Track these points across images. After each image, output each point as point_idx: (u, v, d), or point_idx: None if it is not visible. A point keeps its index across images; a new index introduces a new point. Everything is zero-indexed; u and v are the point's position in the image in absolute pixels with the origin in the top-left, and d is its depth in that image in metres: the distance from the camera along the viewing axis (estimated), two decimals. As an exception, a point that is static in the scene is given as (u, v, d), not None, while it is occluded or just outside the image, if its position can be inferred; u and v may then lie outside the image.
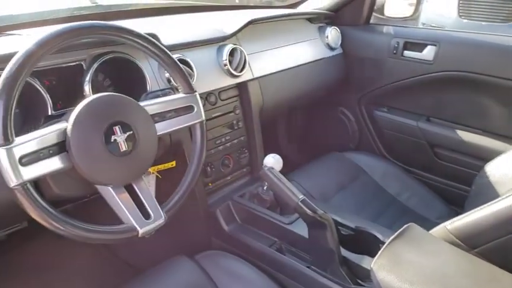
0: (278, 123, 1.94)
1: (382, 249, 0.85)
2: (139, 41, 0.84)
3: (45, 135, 0.72)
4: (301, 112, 1.92)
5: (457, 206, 1.40)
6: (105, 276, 1.41)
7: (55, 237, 1.45)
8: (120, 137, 0.78)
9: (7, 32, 1.05)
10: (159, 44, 0.86)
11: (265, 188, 1.18)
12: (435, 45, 1.46)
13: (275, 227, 1.10)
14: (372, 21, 1.70)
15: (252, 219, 1.16)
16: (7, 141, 0.66)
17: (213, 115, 1.22)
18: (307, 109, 1.89)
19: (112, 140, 0.77)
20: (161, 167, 1.05)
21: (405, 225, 0.91)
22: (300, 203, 0.93)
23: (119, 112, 0.79)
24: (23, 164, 0.68)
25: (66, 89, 0.95)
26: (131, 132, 0.79)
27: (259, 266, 1.06)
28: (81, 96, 0.96)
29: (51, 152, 0.72)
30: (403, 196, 1.45)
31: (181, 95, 0.90)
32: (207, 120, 1.15)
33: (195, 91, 0.91)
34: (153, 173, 1.03)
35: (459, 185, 1.49)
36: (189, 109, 0.91)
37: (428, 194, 1.44)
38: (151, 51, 0.86)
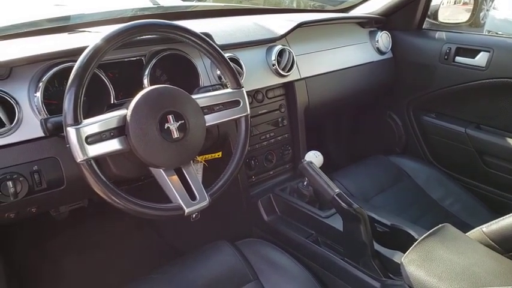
0: (324, 123, 1.98)
1: (414, 244, 0.88)
2: (194, 39, 0.92)
3: (108, 119, 0.82)
4: (348, 114, 1.94)
5: (503, 214, 1.36)
6: (152, 256, 1.52)
7: (109, 218, 1.61)
8: (172, 125, 0.87)
9: (79, 30, 1.18)
10: (212, 43, 0.95)
11: (305, 183, 1.23)
12: (489, 51, 1.43)
13: (312, 220, 1.15)
14: (424, 26, 1.69)
15: (291, 211, 1.22)
16: (76, 122, 0.77)
17: (259, 112, 1.29)
18: (354, 111, 1.91)
19: (165, 127, 0.86)
20: (208, 156, 1.13)
21: (440, 225, 0.92)
22: (335, 196, 0.97)
23: (173, 103, 0.88)
24: (88, 143, 0.78)
25: (127, 81, 1.06)
26: (183, 121, 0.88)
27: (296, 256, 1.11)
28: (140, 88, 1.06)
29: (112, 134, 0.82)
30: (446, 201, 1.44)
31: (229, 90, 0.98)
32: (253, 116, 1.22)
33: (242, 87, 0.99)
34: (201, 161, 1.12)
35: (507, 194, 1.45)
36: (235, 103, 0.98)
37: (473, 201, 1.42)
38: (205, 48, 0.94)
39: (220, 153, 1.15)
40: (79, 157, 0.77)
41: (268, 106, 1.31)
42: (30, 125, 0.91)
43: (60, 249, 1.46)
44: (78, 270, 1.43)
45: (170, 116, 0.87)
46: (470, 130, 1.52)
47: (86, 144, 0.77)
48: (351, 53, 1.56)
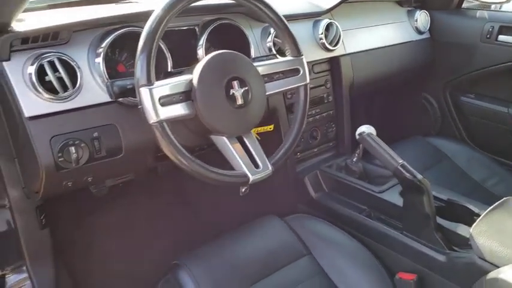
0: (361, 103, 1.95)
1: (481, 217, 0.86)
2: (257, 3, 0.90)
3: (177, 83, 0.80)
4: (383, 95, 1.92)
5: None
6: (191, 235, 1.50)
7: (147, 197, 1.59)
8: (237, 91, 0.85)
9: (125, 1, 1.16)
10: (275, 9, 0.92)
11: (354, 159, 1.21)
12: (534, 28, 1.41)
13: (365, 195, 1.13)
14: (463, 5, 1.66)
15: (340, 188, 1.20)
16: (149, 82, 0.75)
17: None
18: (388, 92, 1.88)
19: (230, 94, 0.84)
20: (261, 129, 1.11)
21: (504, 198, 0.90)
22: (399, 167, 0.95)
23: (237, 68, 0.86)
24: (161, 104, 0.76)
25: (180, 51, 1.04)
26: (246, 88, 0.86)
27: (348, 231, 1.10)
28: (195, 58, 1.05)
29: (180, 98, 0.80)
30: (489, 183, 1.42)
31: (289, 58, 0.96)
32: (295, 92, 1.19)
33: (302, 55, 0.96)
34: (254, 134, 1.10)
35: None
36: (295, 72, 0.96)
37: (518, 181, 1.40)
38: (267, 14, 0.92)
39: (272, 126, 1.13)
40: (152, 118, 0.75)
41: (314, 81, 1.29)
42: (90, 90, 0.89)
43: (98, 227, 1.44)
44: (117, 249, 1.42)
45: (235, 82, 0.85)
46: (513, 109, 1.50)
47: (158, 105, 0.75)
48: (390, 32, 1.53)
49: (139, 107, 0.76)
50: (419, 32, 1.61)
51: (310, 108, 1.29)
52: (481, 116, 1.61)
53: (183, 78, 0.82)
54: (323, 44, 1.25)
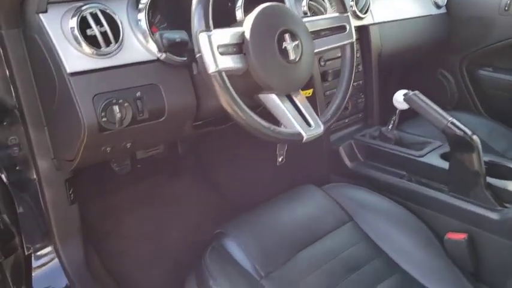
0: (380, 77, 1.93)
1: None
2: None
3: (234, 32, 0.76)
4: (399, 70, 1.91)
5: None
6: (216, 213, 1.46)
7: (170, 176, 1.54)
8: (289, 45, 0.81)
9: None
10: None
11: (390, 126, 1.19)
12: (554, -2, 1.41)
13: (404, 160, 1.11)
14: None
15: (376, 156, 1.18)
16: (208, 28, 0.71)
17: (337, 55, 1.24)
18: (405, 67, 1.87)
19: (283, 47, 0.81)
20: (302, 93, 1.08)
21: None
22: (449, 124, 0.93)
23: (288, 22, 0.83)
24: (220, 53, 0.72)
25: (218, 15, 1.00)
26: (297, 42, 0.83)
27: (389, 197, 1.08)
28: (234, 20, 1.01)
29: (234, 50, 0.76)
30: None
31: (336, 14, 0.93)
32: (330, 59, 1.17)
33: (348, 12, 0.94)
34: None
35: None
36: (341, 29, 0.93)
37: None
38: None
39: (311, 91, 1.10)
40: (211, 67, 0.71)
41: (343, 50, 1.26)
42: (130, 47, 0.84)
43: (123, 207, 1.39)
44: (144, 229, 1.37)
45: (287, 35, 0.81)
46: (533, 80, 1.51)
47: (217, 54, 0.72)
48: (410, 4, 1.52)
49: (197, 55, 0.72)
50: (438, 6, 1.61)
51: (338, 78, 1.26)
52: (499, 88, 1.61)
53: (235, 30, 0.78)
54: (354, 11, 1.22)
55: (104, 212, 1.37)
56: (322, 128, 0.86)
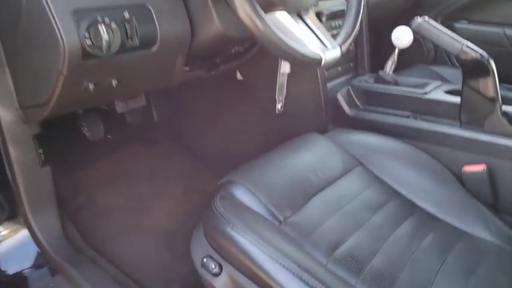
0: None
1: None
2: None
3: None
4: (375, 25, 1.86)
5: None
6: (198, 183, 1.34)
7: (143, 147, 1.40)
8: None
9: None
10: None
11: (388, 68, 1.13)
12: None
13: (408, 100, 1.06)
14: None
15: (377, 99, 1.11)
16: None
17: (327, -4, 1.16)
18: (380, 23, 1.83)
19: None
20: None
21: None
22: (465, 48, 0.88)
23: None
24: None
25: None
26: None
27: (396, 138, 1.02)
28: None
29: None
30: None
31: None
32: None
33: None
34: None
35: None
36: None
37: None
38: None
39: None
40: None
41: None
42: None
43: (93, 180, 1.23)
44: (122, 202, 1.22)
45: None
46: (509, 29, 1.52)
47: None
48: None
49: None
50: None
51: (332, 20, 1.19)
52: (475, 40, 1.59)
53: None
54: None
55: (75, 187, 1.21)
56: (339, 50, 0.77)
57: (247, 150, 1.14)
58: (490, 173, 0.90)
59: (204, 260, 0.74)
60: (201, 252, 0.77)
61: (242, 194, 0.80)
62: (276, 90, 0.98)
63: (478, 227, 0.85)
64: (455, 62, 1.68)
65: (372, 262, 0.73)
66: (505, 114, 0.90)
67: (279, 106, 1.00)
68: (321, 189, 0.88)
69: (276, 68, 0.96)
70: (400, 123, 1.04)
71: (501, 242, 0.83)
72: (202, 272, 0.75)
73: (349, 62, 1.28)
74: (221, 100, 1.38)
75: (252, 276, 0.67)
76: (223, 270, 0.73)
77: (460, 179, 0.94)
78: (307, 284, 0.62)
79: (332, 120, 1.16)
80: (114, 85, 0.77)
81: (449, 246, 0.79)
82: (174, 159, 1.42)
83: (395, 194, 0.92)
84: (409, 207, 0.89)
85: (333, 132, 1.06)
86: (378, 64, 1.28)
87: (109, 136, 1.28)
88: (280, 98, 1.00)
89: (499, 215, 0.89)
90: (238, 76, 1.28)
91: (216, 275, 0.73)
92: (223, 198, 0.78)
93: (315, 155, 0.95)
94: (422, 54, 1.76)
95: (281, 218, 0.78)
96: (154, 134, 1.43)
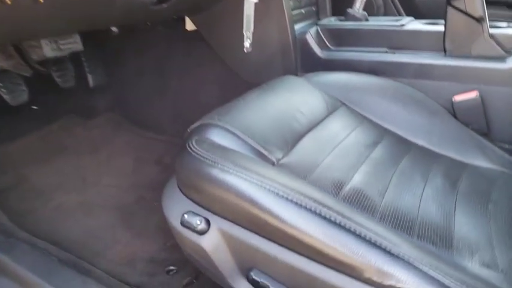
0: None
1: None
2: None
3: None
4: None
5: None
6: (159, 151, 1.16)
7: (81, 118, 1.19)
8: None
9: None
10: None
11: (357, 5, 1.04)
12: None
13: (384, 35, 0.97)
14: None
15: (349, 38, 1.01)
16: None
17: None
18: None
19: None
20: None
21: None
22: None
23: None
24: None
25: None
26: None
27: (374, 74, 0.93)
28: None
29: None
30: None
31: None
32: None
33: None
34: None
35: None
36: None
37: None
38: None
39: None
40: None
41: None
42: None
43: (23, 157, 1.01)
44: (56, 181, 1.01)
45: None
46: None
47: None
48: None
49: None
50: None
51: None
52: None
53: None
54: None
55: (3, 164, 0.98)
56: None
57: (207, 110, 0.98)
58: (482, 100, 0.84)
59: (185, 216, 0.59)
60: (178, 209, 0.61)
61: (222, 137, 0.65)
62: (244, 24, 0.84)
63: (478, 158, 0.79)
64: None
65: (385, 200, 0.62)
66: (492, 36, 0.84)
67: (247, 44, 0.86)
68: (309, 129, 0.76)
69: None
70: (378, 59, 0.95)
71: (504, 169, 0.76)
72: (183, 232, 0.59)
73: (311, 5, 1.17)
74: (169, 56, 1.20)
75: (253, 224, 0.53)
76: (211, 225, 0.58)
77: (451, 111, 0.86)
78: (327, 219, 0.49)
79: (302, 65, 1.04)
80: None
81: (456, 178, 0.72)
82: (119, 131, 1.22)
83: (387, 132, 0.83)
84: (404, 144, 0.81)
85: (308, 74, 0.94)
86: (338, 9, 1.19)
87: (34, 107, 1.08)
88: (248, 34, 0.86)
89: (495, 143, 0.83)
90: (188, 26, 1.12)
91: (203, 232, 0.58)
92: (200, 142, 0.63)
93: (295, 96, 0.83)
94: (372, 9, 1.71)
95: (273, 160, 0.65)
96: (93, 103, 1.23)
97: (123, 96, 1.28)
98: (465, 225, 0.60)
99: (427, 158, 0.77)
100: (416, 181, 0.69)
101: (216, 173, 0.55)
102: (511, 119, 0.83)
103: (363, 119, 0.85)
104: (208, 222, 0.58)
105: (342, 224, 0.49)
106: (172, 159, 0.67)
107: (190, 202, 0.60)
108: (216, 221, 0.57)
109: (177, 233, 0.60)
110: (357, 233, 0.48)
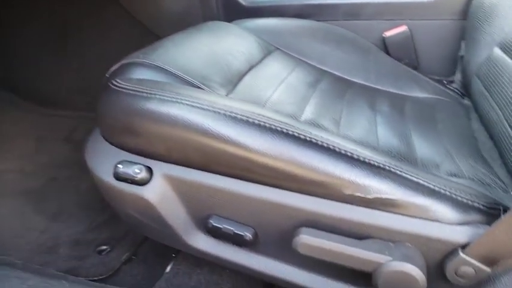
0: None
1: None
2: None
3: None
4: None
5: None
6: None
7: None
8: None
9: None
10: None
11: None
12: None
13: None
14: None
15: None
16: None
17: None
18: None
19: None
20: None
21: None
22: None
23: None
24: None
25: None
26: None
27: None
28: None
29: None
30: None
31: None
32: None
33: None
34: None
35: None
36: None
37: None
38: None
39: None
40: None
41: None
42: None
43: None
44: None
45: None
46: None
47: None
48: None
49: None
50: None
51: None
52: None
53: None
54: None
55: None
56: None
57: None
58: (411, 35, 0.84)
59: (119, 167, 0.48)
60: (108, 161, 0.50)
61: (152, 75, 0.55)
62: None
63: (415, 89, 0.79)
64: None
65: (341, 128, 0.58)
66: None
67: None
68: (249, 68, 0.69)
69: None
70: (305, 2, 0.90)
71: (441, 97, 0.77)
72: (118, 186, 0.48)
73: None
74: (71, 21, 1.03)
75: (207, 160, 0.45)
76: (154, 172, 0.48)
77: (383, 48, 0.85)
78: (299, 138, 0.42)
79: (225, 15, 0.96)
80: None
81: (401, 107, 0.70)
82: (12, 110, 1.03)
83: (325, 72, 0.79)
84: (344, 82, 0.77)
85: (235, 21, 0.87)
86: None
87: None
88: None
89: (426, 76, 0.84)
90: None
91: (144, 181, 0.47)
92: (127, 80, 0.52)
93: (227, 37, 0.75)
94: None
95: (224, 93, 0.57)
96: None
97: (15, 70, 1.08)
98: (424, 145, 0.58)
99: (369, 92, 0.75)
100: (366, 111, 0.66)
101: (155, 105, 0.45)
102: (438, 52, 0.85)
103: (299, 62, 0.80)
104: (149, 170, 0.48)
105: (315, 140, 0.43)
106: (86, 135, 0.55)
107: (122, 151, 0.49)
108: (160, 167, 0.48)
109: (110, 190, 0.49)
110: (335, 148, 0.42)
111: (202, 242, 0.50)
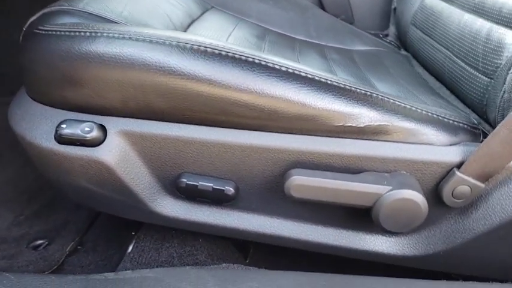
0: None
1: None
2: None
3: None
4: None
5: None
6: None
7: None
8: None
9: None
10: None
11: None
12: None
13: None
14: None
15: None
16: None
17: None
18: None
19: None
20: None
21: None
22: None
23: None
24: None
25: None
26: None
27: None
28: None
29: None
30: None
31: None
32: None
33: None
34: None
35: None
36: None
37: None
38: None
39: None
40: None
41: None
42: None
43: None
44: None
45: None
46: None
47: None
48: None
49: None
50: None
51: None
52: None
53: None
54: None
55: None
56: None
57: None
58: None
59: (63, 127, 0.39)
60: (45, 123, 0.40)
61: (82, 20, 0.46)
62: None
63: (356, 43, 0.78)
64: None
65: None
66: None
67: None
68: (192, 20, 0.63)
69: None
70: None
71: (379, 48, 0.78)
72: (63, 152, 0.39)
73: None
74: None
75: (173, 108, 0.38)
76: (108, 129, 0.40)
77: (319, 5, 0.84)
78: (279, 70, 0.38)
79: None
80: None
81: (350, 57, 0.69)
82: None
83: (267, 29, 0.75)
84: (288, 39, 0.74)
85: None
86: None
87: None
88: None
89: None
90: None
91: (98, 142, 0.39)
92: (58, 25, 0.42)
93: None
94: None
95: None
96: None
97: None
98: (385, 85, 0.57)
99: (314, 46, 0.73)
100: (320, 60, 0.64)
101: (104, 45, 0.37)
102: (372, 7, 0.86)
103: (239, 20, 0.75)
104: (102, 128, 0.40)
105: (298, 72, 0.38)
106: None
107: (62, 110, 0.41)
108: (115, 122, 0.40)
109: (52, 158, 0.40)
110: (320, 79, 0.39)
111: (172, 207, 0.43)
